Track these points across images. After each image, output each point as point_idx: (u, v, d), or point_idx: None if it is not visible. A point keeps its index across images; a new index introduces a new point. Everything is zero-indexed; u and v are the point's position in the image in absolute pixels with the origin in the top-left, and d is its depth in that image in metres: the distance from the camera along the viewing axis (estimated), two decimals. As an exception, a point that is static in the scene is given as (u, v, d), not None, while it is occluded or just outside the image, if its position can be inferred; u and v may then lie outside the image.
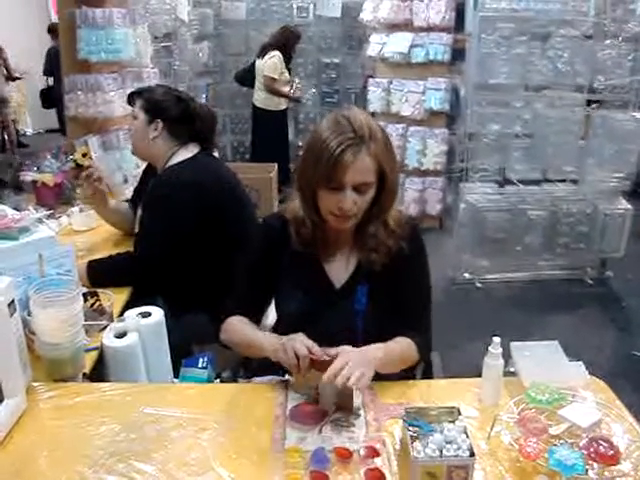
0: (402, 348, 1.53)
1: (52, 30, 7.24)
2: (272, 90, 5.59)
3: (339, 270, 1.61)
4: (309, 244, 1.58)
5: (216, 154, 2.48)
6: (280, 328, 1.70)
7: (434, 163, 4.99)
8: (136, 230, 2.27)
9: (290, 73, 5.77)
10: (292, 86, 5.71)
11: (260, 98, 5.70)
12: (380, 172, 1.47)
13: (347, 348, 1.38)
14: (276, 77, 5.53)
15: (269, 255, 1.64)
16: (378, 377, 1.45)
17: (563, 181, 4.19)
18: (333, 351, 1.37)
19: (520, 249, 4.13)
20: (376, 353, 1.42)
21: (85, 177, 2.37)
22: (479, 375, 1.43)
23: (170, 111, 2.23)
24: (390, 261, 1.56)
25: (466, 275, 4.25)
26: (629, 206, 4.15)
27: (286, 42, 5.59)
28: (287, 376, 1.54)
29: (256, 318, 1.67)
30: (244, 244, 1.84)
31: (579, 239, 4.16)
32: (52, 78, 7.59)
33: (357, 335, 1.53)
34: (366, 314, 1.55)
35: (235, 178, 2.32)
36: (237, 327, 1.62)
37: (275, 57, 5.50)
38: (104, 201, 2.43)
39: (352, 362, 1.32)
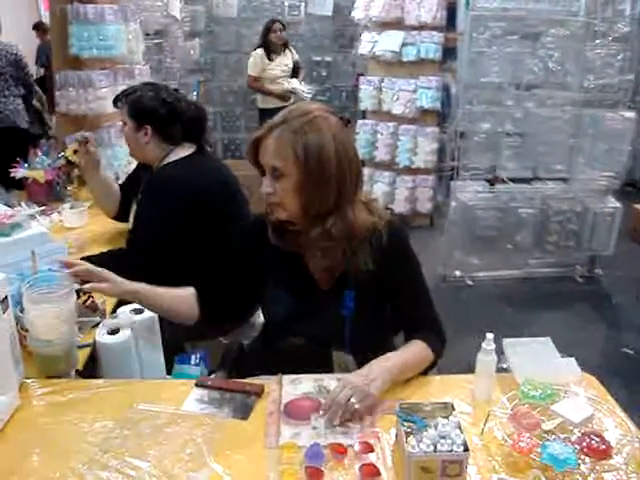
0: (415, 356, 1.50)
1: (38, 27, 7.14)
2: (254, 88, 5.56)
3: (325, 271, 1.56)
4: (284, 241, 1.55)
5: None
6: (268, 331, 1.71)
7: (425, 161, 5.00)
8: (129, 226, 2.27)
9: (295, 69, 5.59)
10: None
11: (256, 98, 5.69)
12: (295, 160, 1.40)
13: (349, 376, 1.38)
14: (255, 75, 5.45)
15: (247, 252, 1.64)
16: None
17: (554, 180, 4.21)
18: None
19: (511, 247, 4.15)
20: (384, 376, 1.39)
21: (82, 143, 2.39)
22: (472, 371, 1.44)
23: (157, 115, 2.19)
24: (374, 263, 1.50)
25: (457, 273, 4.26)
26: (618, 204, 4.18)
27: (264, 36, 5.48)
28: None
29: (213, 309, 1.68)
30: None
31: (569, 237, 4.19)
32: (43, 69, 7.49)
33: (344, 339, 1.53)
34: (354, 319, 1.53)
35: (233, 177, 2.30)
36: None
37: (253, 55, 5.47)
38: (96, 166, 2.44)
39: (351, 385, 1.34)
